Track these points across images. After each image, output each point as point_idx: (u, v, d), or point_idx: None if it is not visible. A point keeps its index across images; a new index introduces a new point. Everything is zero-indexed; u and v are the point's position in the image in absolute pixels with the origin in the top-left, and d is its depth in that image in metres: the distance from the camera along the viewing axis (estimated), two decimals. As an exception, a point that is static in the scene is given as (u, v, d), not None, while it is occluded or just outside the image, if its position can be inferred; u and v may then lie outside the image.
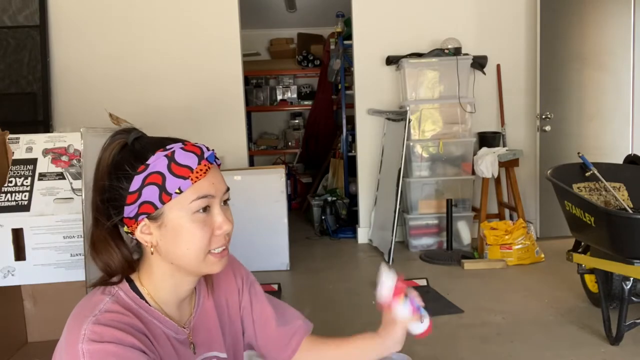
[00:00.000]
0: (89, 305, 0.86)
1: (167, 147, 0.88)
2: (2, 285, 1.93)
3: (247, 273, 1.13)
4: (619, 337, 2.15)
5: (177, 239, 0.87)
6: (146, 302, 0.91)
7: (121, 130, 0.92)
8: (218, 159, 0.93)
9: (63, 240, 1.92)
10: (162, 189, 0.85)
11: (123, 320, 0.83)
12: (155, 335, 0.89)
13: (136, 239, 0.90)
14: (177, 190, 0.85)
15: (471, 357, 2.14)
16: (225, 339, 1.04)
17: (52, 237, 1.91)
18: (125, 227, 0.89)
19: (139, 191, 0.85)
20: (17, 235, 1.90)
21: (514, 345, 2.23)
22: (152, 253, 0.90)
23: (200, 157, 0.88)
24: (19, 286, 2.19)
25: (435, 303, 2.76)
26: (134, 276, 0.93)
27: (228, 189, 0.94)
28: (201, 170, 0.86)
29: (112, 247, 0.90)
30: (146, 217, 0.87)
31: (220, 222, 0.89)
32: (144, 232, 0.88)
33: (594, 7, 4.00)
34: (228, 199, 0.95)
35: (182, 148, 0.88)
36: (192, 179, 0.85)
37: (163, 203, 0.85)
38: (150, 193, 0.85)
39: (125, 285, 0.91)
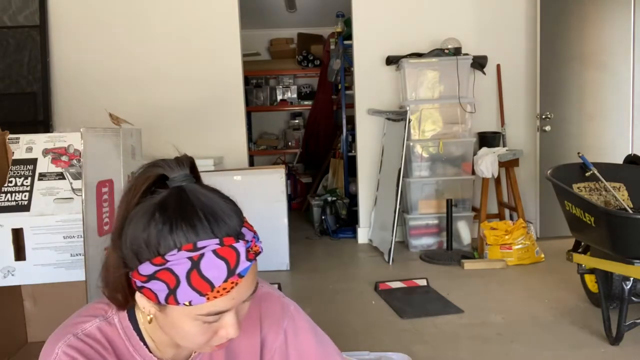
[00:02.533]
0: (81, 316, 0.85)
1: (199, 244, 0.71)
2: (2, 285, 1.93)
3: (281, 316, 0.97)
4: (619, 337, 2.14)
5: (174, 330, 0.78)
6: (139, 333, 0.85)
7: (164, 161, 0.79)
8: (260, 251, 0.78)
9: (63, 240, 1.92)
10: (172, 293, 0.71)
11: (98, 352, 0.80)
12: None
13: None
14: (187, 303, 0.72)
15: (471, 357, 2.14)
16: None
17: (52, 237, 1.91)
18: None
19: (148, 278, 0.73)
20: (17, 235, 1.90)
21: (514, 345, 2.23)
22: (149, 322, 0.81)
23: (231, 271, 0.72)
24: (19, 286, 2.19)
25: (435, 303, 2.76)
26: (138, 317, 0.86)
27: (256, 288, 0.79)
28: (224, 289, 0.72)
29: (120, 275, 0.79)
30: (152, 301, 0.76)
31: (227, 330, 0.77)
32: (145, 299, 0.77)
33: (594, 7, 4.00)
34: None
35: (214, 251, 0.71)
36: (208, 298, 0.71)
37: (167, 303, 0.73)
38: (158, 288, 0.72)
39: (124, 316, 0.85)
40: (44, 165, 2.01)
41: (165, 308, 0.76)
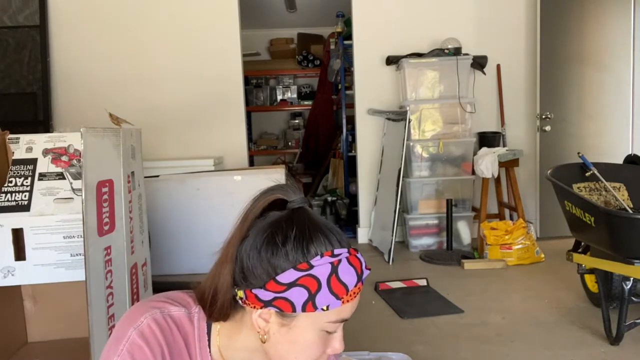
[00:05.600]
0: (169, 299, 0.88)
1: (336, 252, 0.79)
2: (2, 285, 1.93)
3: None
4: (619, 337, 2.15)
5: (292, 346, 0.81)
6: (209, 339, 0.87)
7: (281, 186, 0.86)
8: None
9: (63, 240, 1.92)
10: (312, 298, 0.76)
11: (169, 338, 0.84)
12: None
13: (252, 316, 0.82)
14: (324, 308, 0.77)
15: (471, 357, 2.14)
16: None
17: (52, 237, 1.91)
18: (244, 297, 0.81)
19: (288, 287, 0.77)
20: (17, 235, 1.90)
21: (514, 345, 2.23)
22: (263, 342, 0.82)
23: (359, 276, 0.80)
24: (19, 286, 2.19)
25: (435, 303, 2.76)
26: (214, 324, 0.88)
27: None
28: (354, 293, 0.79)
29: (228, 284, 0.83)
30: (277, 310, 0.79)
31: (337, 346, 0.83)
32: (262, 317, 0.80)
33: (594, 7, 4.00)
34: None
35: (347, 259, 0.79)
36: (343, 301, 0.78)
37: (304, 311, 0.77)
38: (298, 295, 0.77)
39: (203, 319, 0.87)
40: (44, 165, 2.01)
41: (292, 321, 0.79)
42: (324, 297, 0.76)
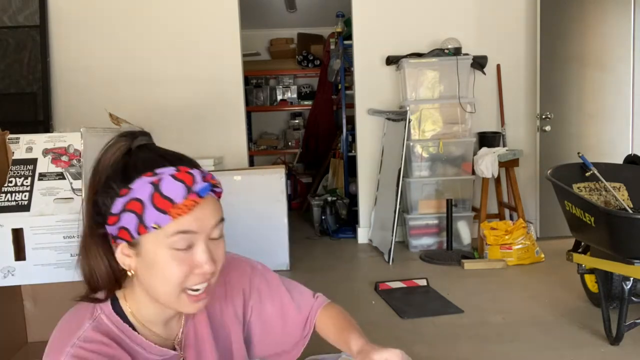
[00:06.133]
0: (70, 326, 0.85)
1: (157, 171, 0.80)
2: (2, 285, 1.93)
3: (251, 274, 1.06)
4: (619, 337, 2.14)
5: (151, 271, 0.81)
6: (130, 323, 0.87)
7: (127, 132, 0.86)
8: (218, 187, 0.85)
9: (63, 240, 1.92)
10: (140, 219, 0.78)
11: (102, 352, 0.81)
12: None
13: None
14: (155, 225, 0.78)
15: (471, 357, 2.14)
16: (219, 350, 0.98)
17: (52, 237, 1.91)
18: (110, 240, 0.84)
19: (119, 215, 0.80)
20: (17, 235, 1.90)
21: (514, 345, 2.23)
22: (131, 276, 0.85)
23: (189, 189, 0.79)
24: (19, 286, 2.19)
25: (435, 303, 2.76)
26: (119, 293, 0.88)
27: (222, 220, 0.85)
28: (185, 206, 0.78)
29: (101, 256, 0.85)
30: (125, 242, 0.81)
31: (201, 262, 0.81)
32: (124, 254, 0.83)
33: (594, 7, 4.00)
34: (221, 235, 0.86)
35: (172, 175, 0.80)
36: (172, 215, 0.78)
37: (139, 234, 0.79)
38: (129, 220, 0.79)
39: (108, 307, 0.87)
40: (44, 165, 2.01)
41: (139, 247, 0.80)
42: (150, 215, 0.78)
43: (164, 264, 0.80)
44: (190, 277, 0.82)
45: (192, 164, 0.85)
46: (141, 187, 0.79)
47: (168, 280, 0.81)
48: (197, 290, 0.83)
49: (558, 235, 3.84)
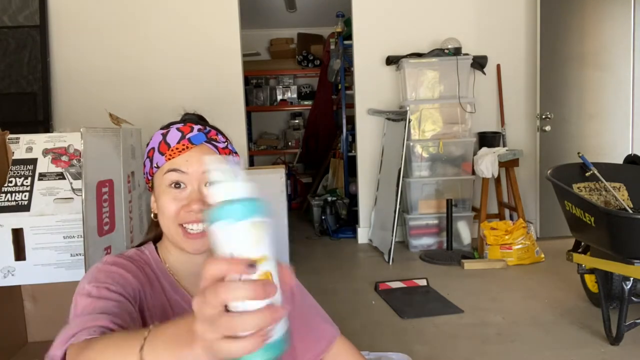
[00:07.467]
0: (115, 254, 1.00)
1: (171, 126, 0.95)
2: (2, 285, 1.93)
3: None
4: (619, 337, 2.15)
5: (159, 206, 0.93)
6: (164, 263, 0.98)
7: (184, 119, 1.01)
8: (218, 142, 0.95)
9: (63, 240, 1.92)
10: (151, 163, 0.94)
11: (136, 259, 0.94)
12: (155, 289, 0.93)
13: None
14: (156, 165, 0.93)
15: (471, 357, 2.14)
16: None
17: (52, 237, 1.91)
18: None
19: (144, 162, 0.97)
20: (17, 235, 1.90)
21: (514, 345, 2.23)
22: (154, 217, 0.98)
23: (183, 136, 0.92)
24: (19, 286, 2.19)
25: (435, 303, 2.76)
26: (159, 245, 1.00)
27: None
28: (177, 149, 0.91)
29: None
30: (149, 187, 0.98)
31: (190, 200, 0.90)
32: (152, 201, 0.97)
33: (594, 7, 4.00)
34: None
35: (177, 128, 0.94)
36: (166, 156, 0.91)
37: (151, 176, 0.95)
38: (147, 166, 0.96)
39: (151, 246, 0.99)
40: (44, 165, 2.01)
41: (154, 188, 0.95)
42: (156, 158, 0.93)
43: (162, 199, 0.92)
44: (183, 214, 0.90)
45: (201, 123, 0.98)
46: (155, 138, 0.95)
47: (166, 213, 0.91)
48: (192, 229, 0.91)
49: (558, 235, 3.84)
